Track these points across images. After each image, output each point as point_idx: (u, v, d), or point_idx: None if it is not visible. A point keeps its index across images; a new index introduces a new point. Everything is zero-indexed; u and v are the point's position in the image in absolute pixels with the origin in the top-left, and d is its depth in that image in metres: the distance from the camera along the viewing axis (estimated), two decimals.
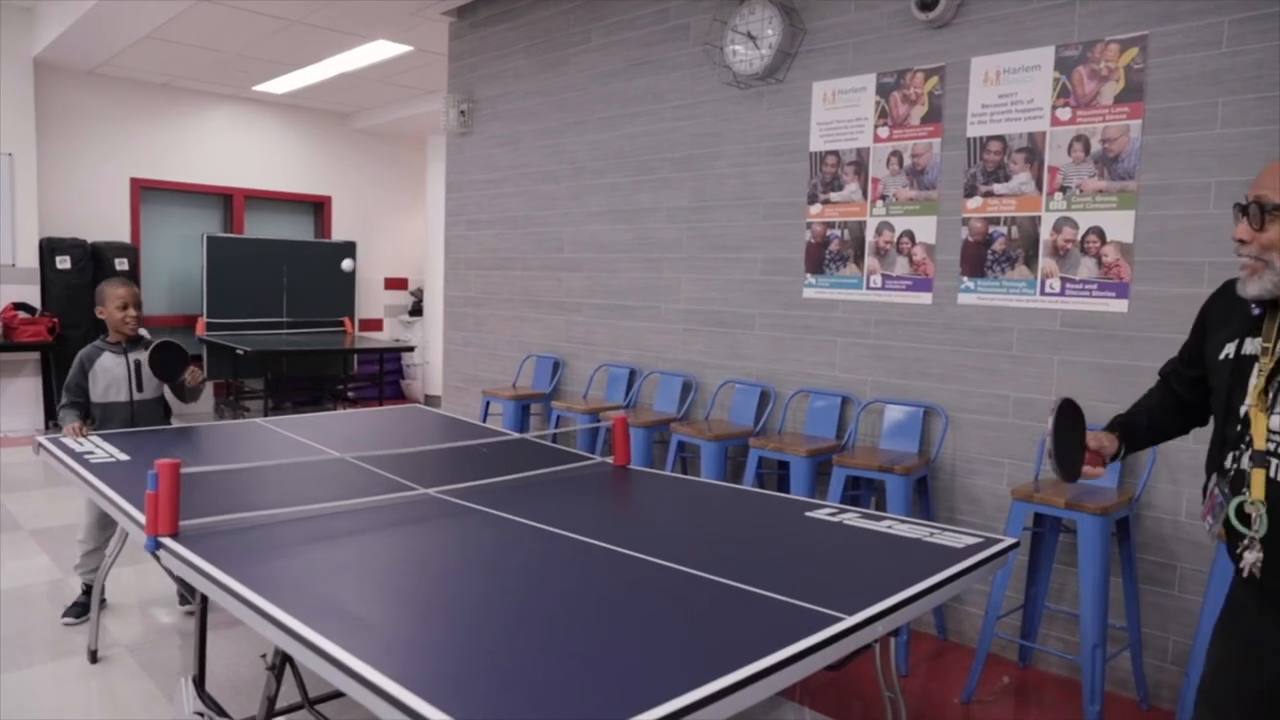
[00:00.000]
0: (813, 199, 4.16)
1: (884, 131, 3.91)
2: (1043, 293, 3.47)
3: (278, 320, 9.20)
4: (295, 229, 9.98)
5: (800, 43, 4.21)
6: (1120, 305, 3.29)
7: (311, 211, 10.14)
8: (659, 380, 4.83)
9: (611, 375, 5.09)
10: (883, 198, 3.91)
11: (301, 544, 2.25)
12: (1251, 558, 1.57)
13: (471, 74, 6.18)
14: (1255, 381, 1.62)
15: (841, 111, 4.05)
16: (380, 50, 7.10)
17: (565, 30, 5.43)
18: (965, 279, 3.67)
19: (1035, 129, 3.48)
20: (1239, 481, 1.60)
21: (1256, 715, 1.63)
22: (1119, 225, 3.29)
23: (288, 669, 2.12)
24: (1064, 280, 3.42)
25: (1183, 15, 3.15)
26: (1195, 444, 3.12)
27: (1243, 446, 1.62)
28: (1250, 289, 1.62)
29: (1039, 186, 3.47)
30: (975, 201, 3.64)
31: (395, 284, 10.74)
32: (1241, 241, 1.61)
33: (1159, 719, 3.13)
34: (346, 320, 9.68)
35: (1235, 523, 1.58)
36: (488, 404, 5.41)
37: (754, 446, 3.90)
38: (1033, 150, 3.48)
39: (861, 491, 3.84)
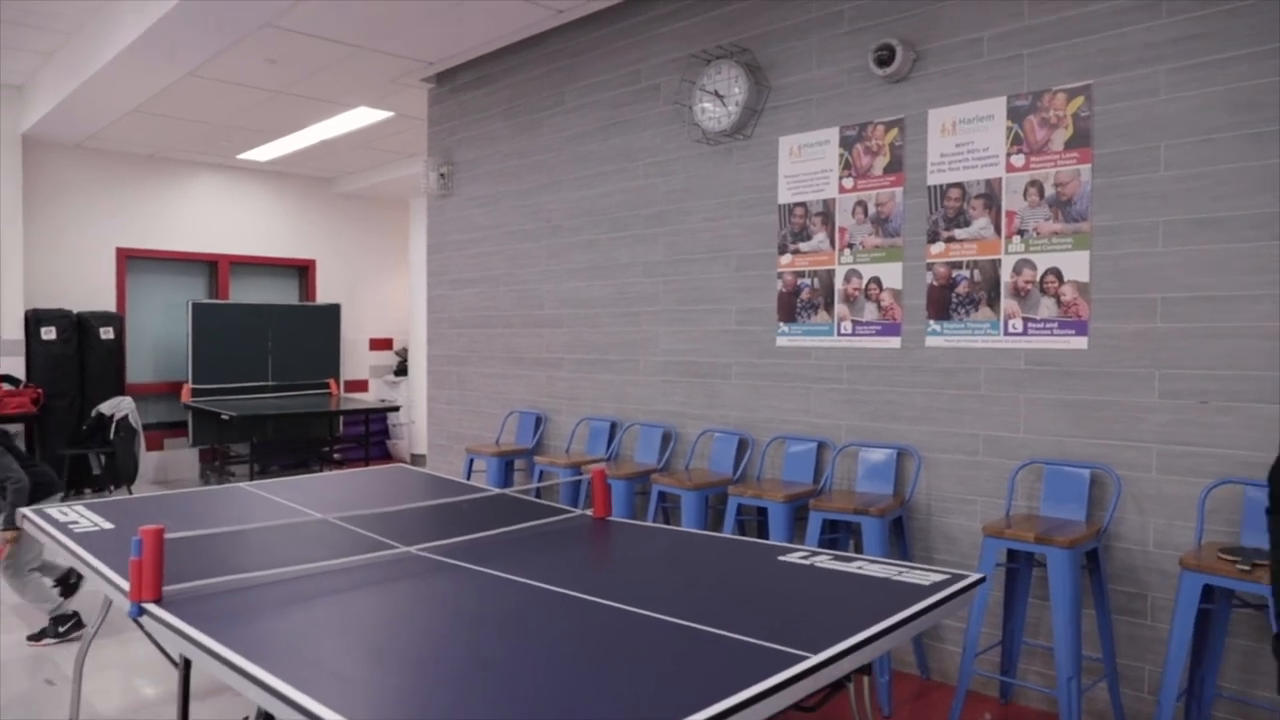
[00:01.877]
0: (783, 249, 4.28)
1: (848, 182, 4.04)
2: (1006, 333, 3.57)
3: (263, 384, 9.25)
4: (280, 293, 10.08)
5: (766, 100, 4.36)
6: (1080, 342, 3.39)
7: (296, 275, 10.25)
8: (639, 432, 4.90)
9: (593, 428, 5.16)
10: (850, 246, 4.03)
11: (283, 606, 2.29)
12: None
13: (450, 138, 6.34)
14: None
15: (807, 164, 4.19)
16: (361, 117, 7.27)
17: (540, 94, 5.59)
18: (932, 322, 3.77)
19: (992, 175, 3.61)
20: None
21: None
22: (1075, 265, 3.40)
23: None
24: (1025, 320, 3.52)
25: (1123, 66, 3.30)
26: (1159, 474, 3.21)
27: None
28: None
29: (998, 230, 3.59)
30: (938, 247, 3.75)
31: (380, 344, 10.82)
32: None
33: None
34: (332, 382, 9.73)
35: None
36: (471, 461, 5.46)
37: (733, 494, 3.96)
38: (990, 196, 3.61)
39: (840, 534, 3.89)
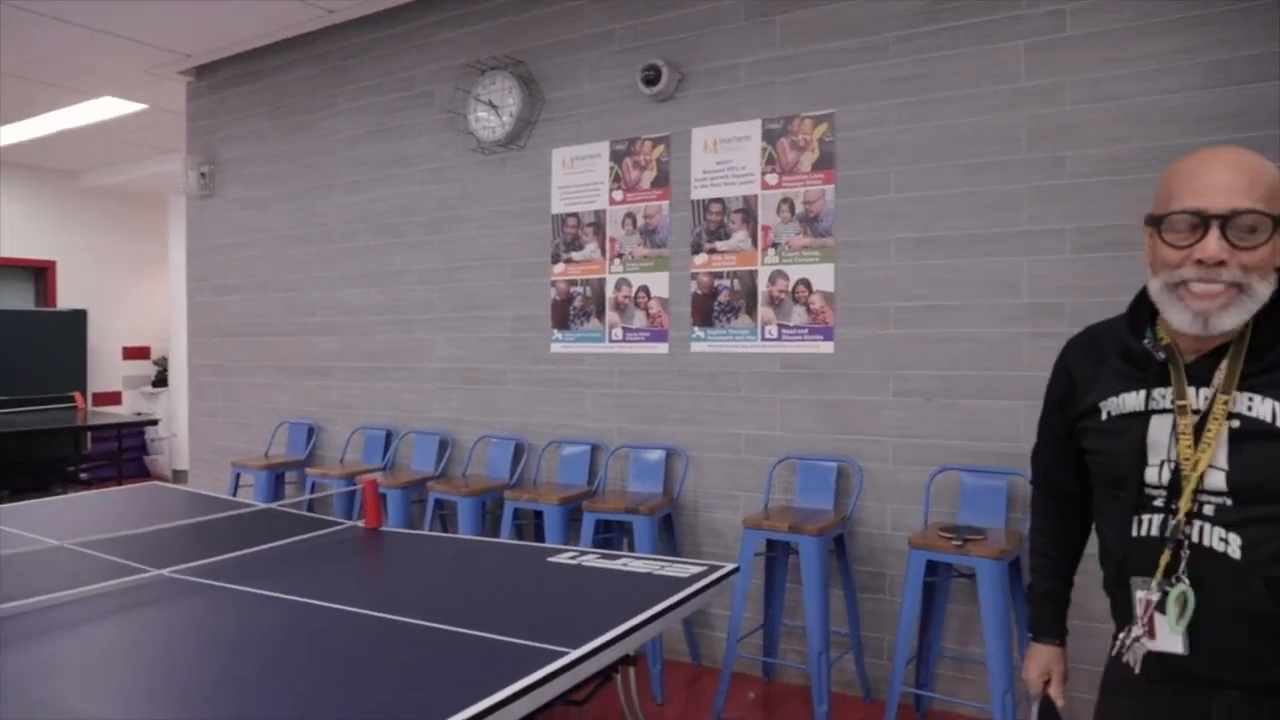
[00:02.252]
0: (556, 258, 4.38)
1: (618, 195, 4.20)
2: (763, 338, 3.84)
3: None
4: (11, 298, 9.06)
5: (540, 112, 4.45)
6: (827, 347, 3.71)
7: (31, 278, 9.25)
8: (415, 440, 4.84)
9: (368, 438, 5.04)
10: (620, 256, 4.19)
11: (7, 646, 2.10)
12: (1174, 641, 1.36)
13: (212, 135, 5.97)
14: (1185, 444, 1.35)
15: (580, 176, 4.31)
16: (109, 107, 6.69)
17: (310, 94, 5.40)
18: (696, 329, 4.00)
19: (749, 192, 3.88)
20: (1174, 567, 1.36)
21: None
22: (823, 276, 3.72)
23: None
24: (780, 326, 3.81)
25: (859, 98, 3.65)
26: (894, 465, 3.56)
27: (1163, 517, 1.38)
28: (1224, 322, 1.30)
29: (755, 243, 3.86)
30: (701, 258, 3.98)
31: (135, 353, 9.98)
32: (1221, 263, 1.28)
33: (879, 710, 3.49)
34: (78, 395, 8.86)
35: (1172, 615, 1.34)
36: (238, 475, 5.18)
37: (509, 499, 4.01)
38: (748, 211, 3.88)
39: (613, 533, 4.03)
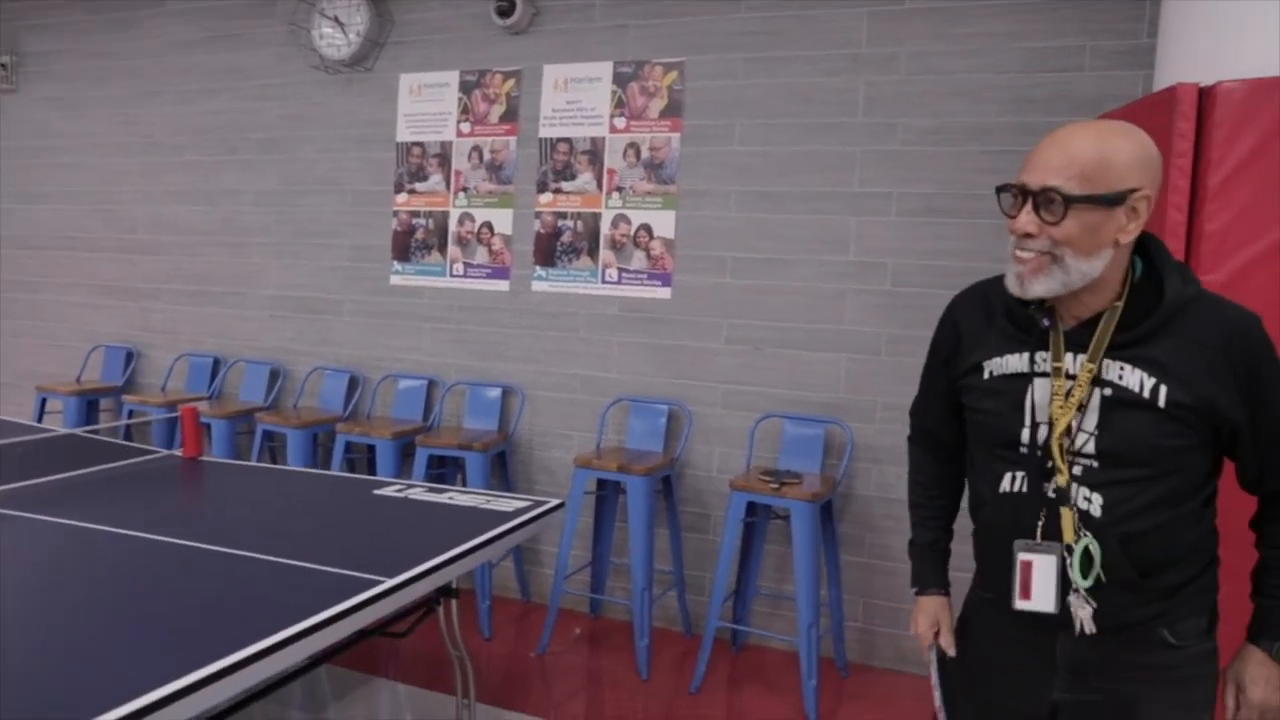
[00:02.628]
0: (399, 188, 4.26)
1: (466, 127, 4.11)
2: (603, 281, 3.89)
3: None
4: None
5: (388, 34, 4.27)
6: (665, 293, 3.80)
7: None
8: (245, 369, 4.65)
9: (193, 365, 4.80)
10: (464, 190, 4.13)
11: None
12: (1086, 612, 1.40)
13: (16, 21, 5.41)
14: (1057, 405, 1.40)
15: (427, 105, 4.19)
16: None
17: None
18: (538, 268, 4.00)
19: (596, 134, 3.88)
20: (1052, 528, 1.41)
21: None
22: (664, 223, 3.79)
23: None
24: (621, 270, 3.86)
25: (710, 49, 3.70)
26: (723, 410, 3.70)
27: (1041, 480, 1.43)
28: (1034, 288, 1.36)
29: (600, 186, 3.88)
30: (546, 197, 3.97)
31: None
32: (1028, 235, 1.34)
33: (697, 644, 3.67)
34: None
35: (1079, 577, 1.39)
36: (44, 401, 4.83)
37: (340, 432, 3.93)
38: (595, 153, 3.88)
39: (447, 469, 4.03)
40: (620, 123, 3.83)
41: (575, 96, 3.91)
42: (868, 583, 3.56)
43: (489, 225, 4.08)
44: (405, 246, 4.26)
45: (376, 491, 2.77)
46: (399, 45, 4.27)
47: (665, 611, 3.87)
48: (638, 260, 3.82)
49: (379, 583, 1.92)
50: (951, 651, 1.63)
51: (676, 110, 3.74)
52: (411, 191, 4.24)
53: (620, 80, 3.83)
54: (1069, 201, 1.29)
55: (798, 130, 3.58)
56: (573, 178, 3.92)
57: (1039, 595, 1.41)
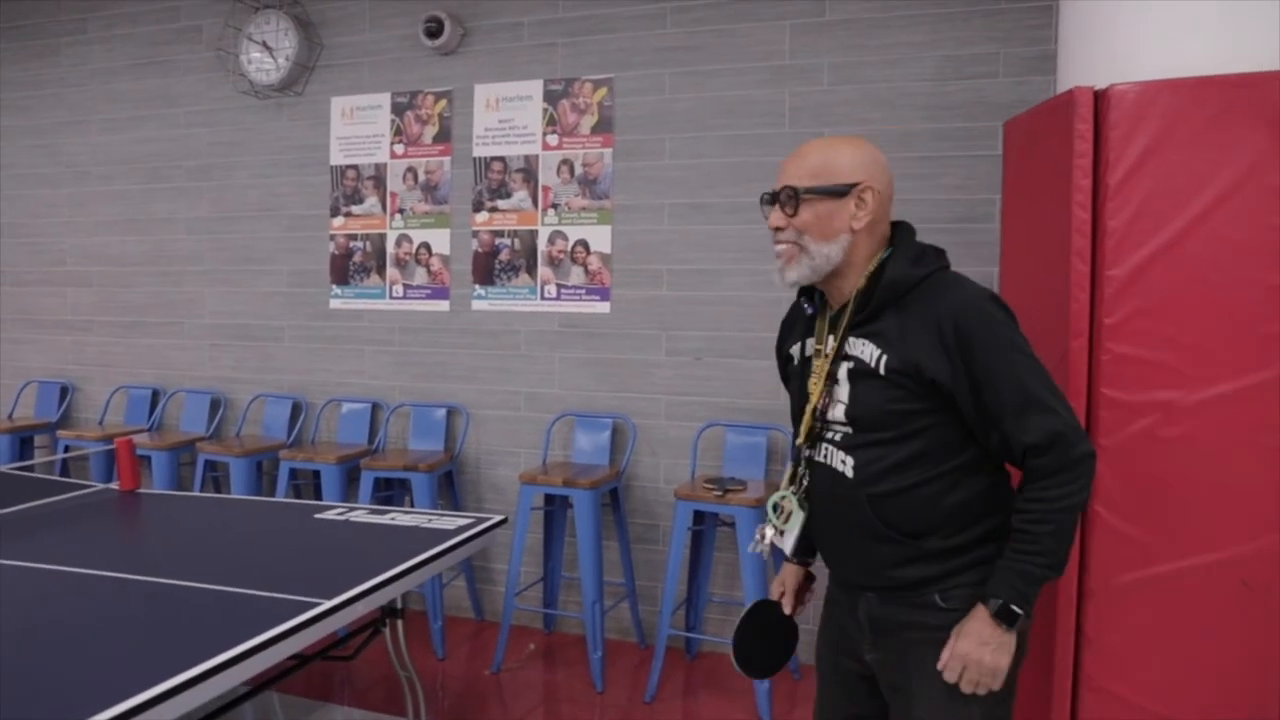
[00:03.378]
0: (335, 211, 4.25)
1: (399, 148, 4.12)
2: (543, 297, 3.92)
3: None
4: None
5: (318, 57, 4.27)
6: (604, 307, 3.84)
7: None
8: (185, 399, 4.59)
9: (132, 398, 4.72)
10: (401, 211, 4.13)
11: None
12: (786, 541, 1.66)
13: None
14: (812, 381, 1.63)
15: (360, 127, 4.19)
16: None
17: (54, 16, 4.89)
18: (478, 287, 4.02)
19: (530, 152, 3.91)
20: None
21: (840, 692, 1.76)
22: (600, 238, 3.83)
23: None
24: (559, 286, 3.89)
25: (636, 64, 3.76)
26: (666, 421, 3.75)
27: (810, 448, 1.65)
28: (789, 275, 1.60)
29: (535, 203, 3.91)
30: (483, 216, 3.99)
31: None
32: (778, 229, 1.59)
33: (651, 654, 3.70)
34: None
35: (773, 517, 1.66)
36: None
37: (284, 458, 3.90)
38: (529, 171, 3.92)
39: (394, 491, 4.01)
40: (553, 140, 3.88)
41: (507, 115, 3.94)
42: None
43: (427, 246, 4.09)
44: (344, 270, 4.24)
45: (318, 516, 2.76)
46: (329, 69, 4.27)
47: (618, 623, 3.89)
48: (576, 276, 3.86)
49: (317, 604, 1.92)
50: (788, 610, 1.81)
51: (607, 126, 3.80)
52: (348, 214, 4.23)
53: (551, 98, 3.87)
54: (802, 194, 1.55)
55: (726, 142, 3.65)
56: (508, 196, 3.95)
57: (784, 535, 1.66)
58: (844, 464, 1.57)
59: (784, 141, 3.56)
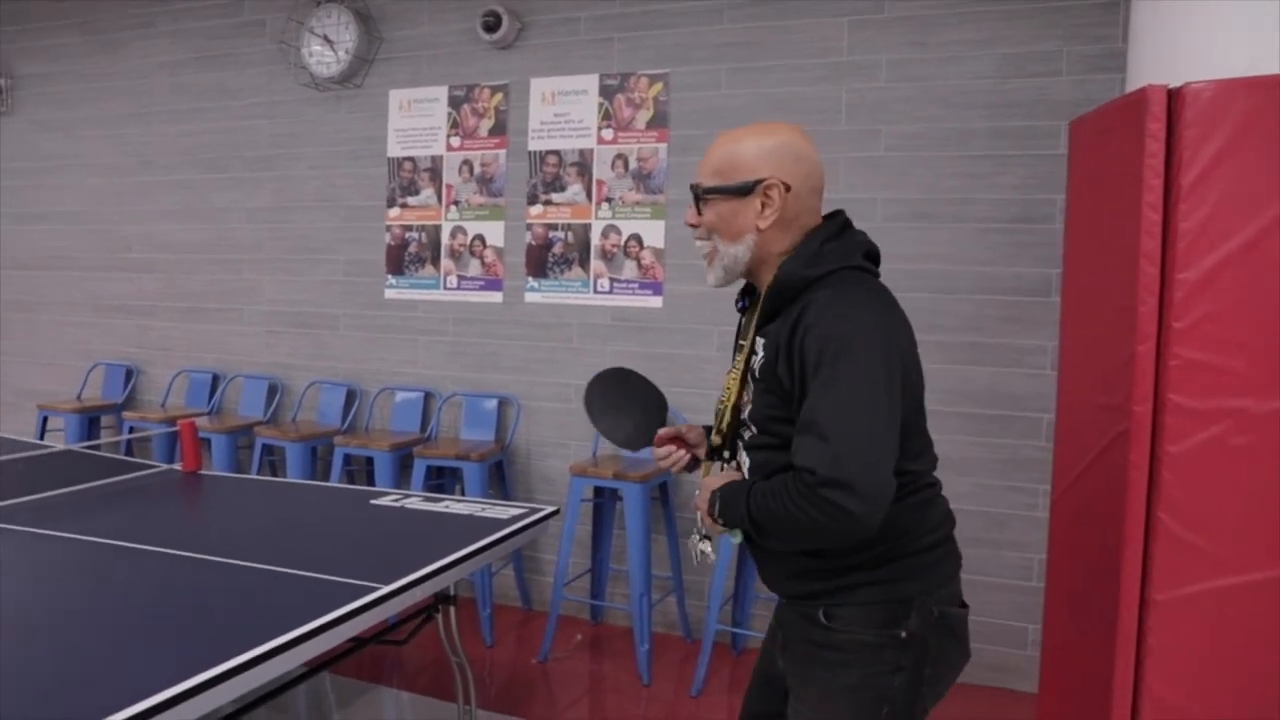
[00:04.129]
0: (391, 202, 4.31)
1: (456, 141, 4.17)
2: (595, 291, 3.94)
3: None
4: None
5: (377, 50, 4.33)
6: (656, 301, 3.85)
7: None
8: (244, 384, 4.69)
9: (192, 381, 4.84)
10: (456, 203, 4.18)
11: None
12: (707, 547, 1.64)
13: (10, 45, 5.47)
14: (731, 377, 1.59)
15: (417, 120, 4.24)
16: None
17: (124, 11, 5.02)
18: (530, 279, 4.05)
19: (585, 146, 3.93)
20: None
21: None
22: (653, 232, 3.84)
23: None
24: (612, 280, 3.91)
25: (693, 60, 3.75)
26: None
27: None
28: (710, 276, 1.57)
29: (589, 197, 3.93)
30: (537, 209, 4.02)
31: None
32: (693, 227, 1.56)
33: (697, 648, 3.71)
34: None
35: (699, 525, 1.62)
36: (45, 419, 4.87)
37: (339, 444, 3.97)
38: (583, 164, 3.93)
39: (445, 480, 4.07)
40: (608, 134, 3.89)
41: (563, 109, 3.96)
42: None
43: (481, 238, 4.13)
44: (399, 260, 4.31)
45: (374, 502, 2.81)
46: (388, 62, 4.32)
47: (665, 617, 3.90)
48: (629, 270, 3.87)
49: (375, 589, 1.96)
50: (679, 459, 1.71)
51: (662, 121, 3.80)
52: (404, 206, 4.29)
53: (607, 92, 3.88)
54: (704, 193, 1.51)
55: None
56: (562, 189, 3.97)
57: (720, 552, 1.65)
58: (743, 466, 1.55)
59: (841, 139, 3.53)
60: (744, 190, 1.48)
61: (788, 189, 1.47)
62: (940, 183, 3.42)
